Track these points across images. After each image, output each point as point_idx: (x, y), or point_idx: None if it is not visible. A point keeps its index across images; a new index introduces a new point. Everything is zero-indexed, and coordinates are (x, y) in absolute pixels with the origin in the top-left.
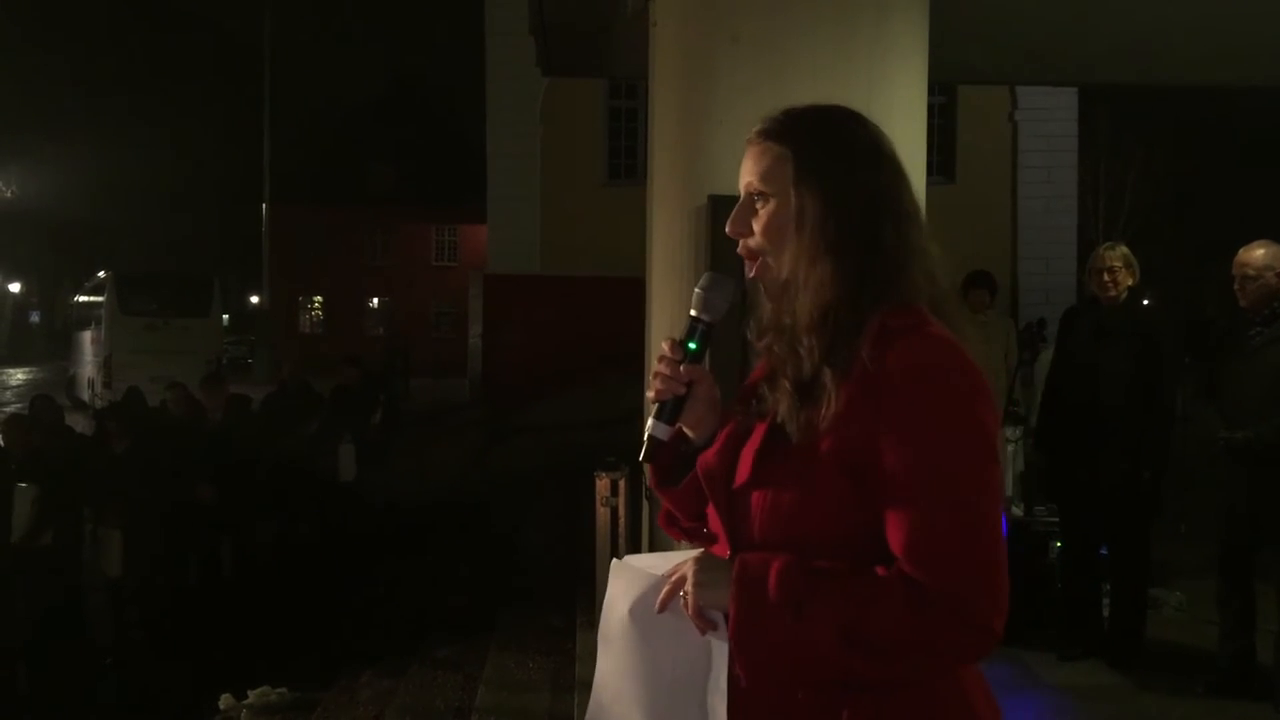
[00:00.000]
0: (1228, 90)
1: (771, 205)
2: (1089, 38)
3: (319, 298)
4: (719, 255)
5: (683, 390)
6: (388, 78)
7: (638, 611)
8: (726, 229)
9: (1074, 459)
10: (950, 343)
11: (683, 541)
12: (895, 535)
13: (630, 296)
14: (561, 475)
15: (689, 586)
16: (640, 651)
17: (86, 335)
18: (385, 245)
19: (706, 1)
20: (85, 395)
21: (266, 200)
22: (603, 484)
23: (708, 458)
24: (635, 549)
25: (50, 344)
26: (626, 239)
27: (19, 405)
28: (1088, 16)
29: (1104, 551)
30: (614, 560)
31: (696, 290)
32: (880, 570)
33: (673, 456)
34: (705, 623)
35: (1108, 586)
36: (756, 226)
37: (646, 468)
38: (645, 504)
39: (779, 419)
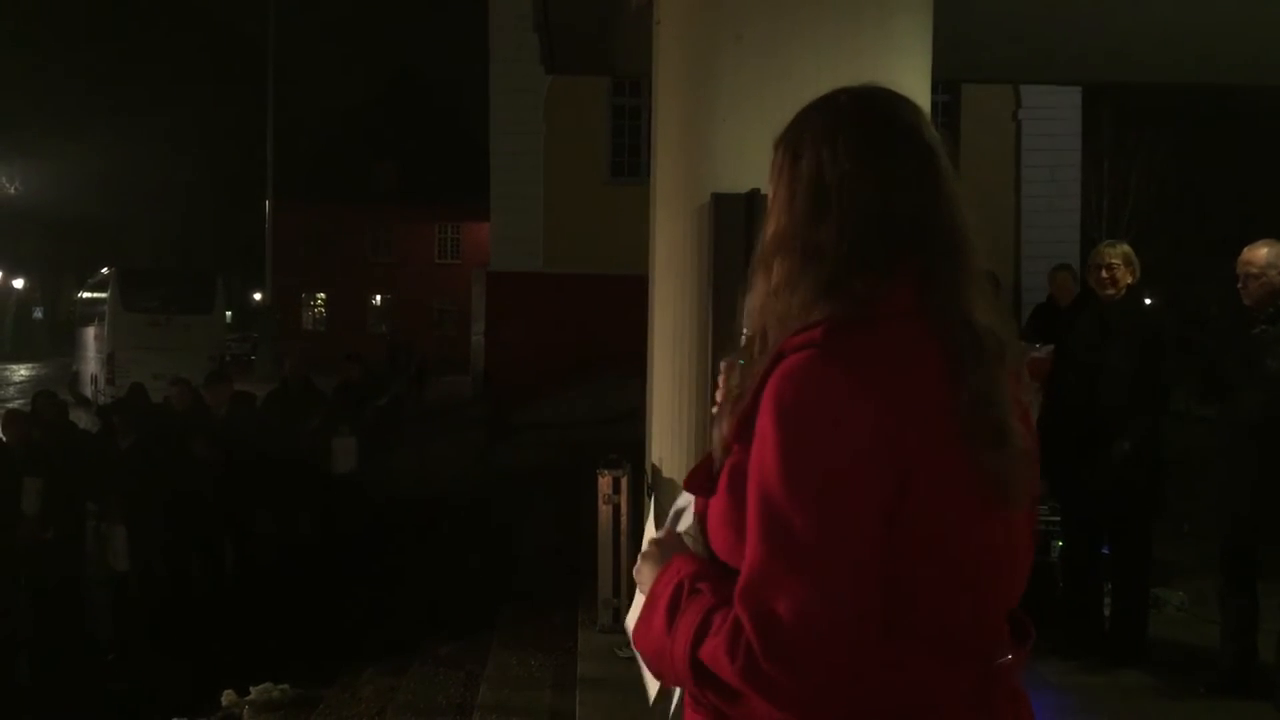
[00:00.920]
0: (1231, 89)
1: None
2: (1092, 37)
3: (322, 295)
4: (721, 253)
5: None
6: (391, 75)
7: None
8: None
9: (1075, 457)
10: (824, 363)
11: None
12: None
13: (633, 294)
14: (563, 472)
15: (640, 559)
16: None
17: (90, 331)
18: (388, 242)
19: (710, 0)
20: (88, 391)
21: (270, 197)
22: (605, 481)
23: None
24: (637, 547)
25: (53, 340)
26: (629, 237)
27: (22, 401)
28: (1091, 15)
29: (1105, 550)
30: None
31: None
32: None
33: None
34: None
35: (1109, 586)
36: None
37: None
38: (647, 501)
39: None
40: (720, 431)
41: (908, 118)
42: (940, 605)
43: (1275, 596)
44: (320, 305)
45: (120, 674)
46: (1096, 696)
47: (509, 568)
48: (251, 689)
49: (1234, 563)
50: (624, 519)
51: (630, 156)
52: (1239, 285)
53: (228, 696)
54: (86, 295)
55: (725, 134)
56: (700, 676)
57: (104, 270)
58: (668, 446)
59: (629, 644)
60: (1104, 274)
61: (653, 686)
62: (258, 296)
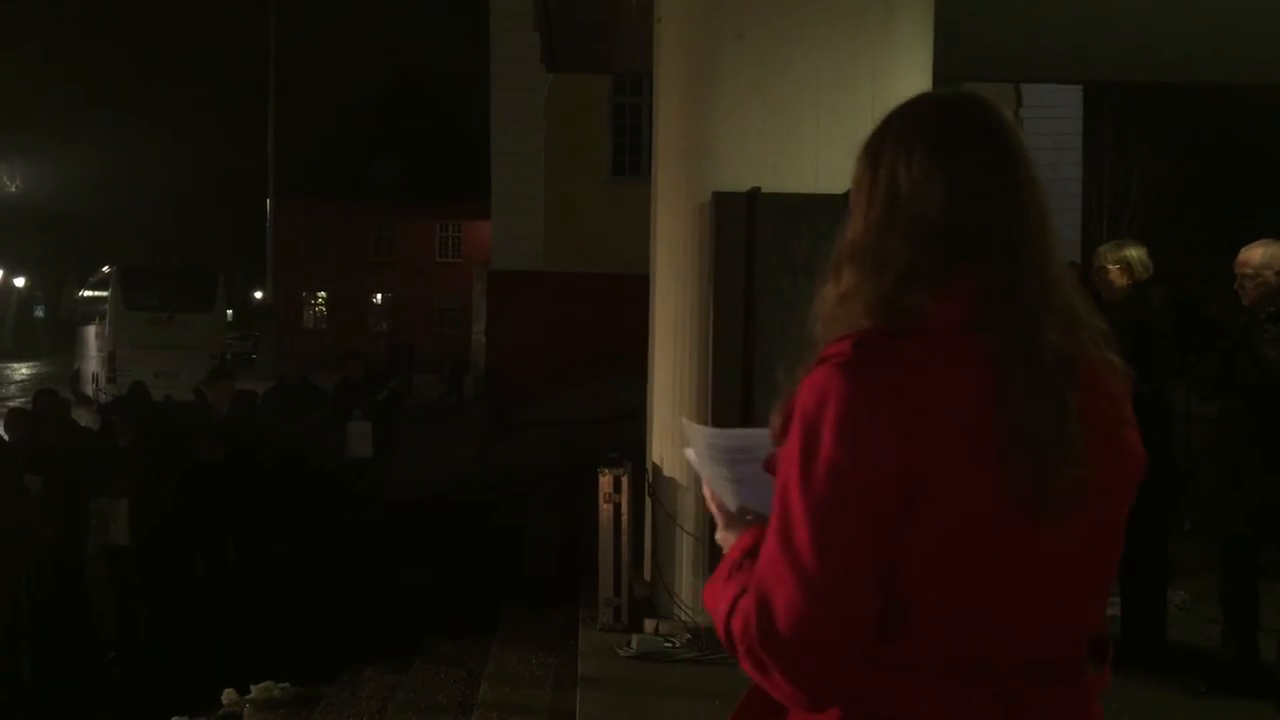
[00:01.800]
0: (1233, 88)
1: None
2: (1093, 36)
3: (323, 293)
4: (722, 252)
5: None
6: (392, 73)
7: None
8: None
9: None
10: (841, 377)
11: None
12: None
13: (634, 293)
14: (564, 471)
15: (719, 528)
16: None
17: (91, 330)
18: (389, 241)
19: None
20: (89, 390)
21: (271, 195)
22: (605, 480)
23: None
24: (638, 545)
25: (55, 338)
26: (630, 235)
27: (23, 400)
28: (1092, 14)
29: None
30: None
31: None
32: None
33: None
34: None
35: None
36: None
37: None
38: (648, 500)
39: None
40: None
41: (990, 124)
42: (967, 618)
43: (1277, 595)
44: (321, 304)
45: (121, 672)
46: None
47: (510, 566)
48: (252, 687)
49: (1235, 561)
50: (625, 518)
51: (631, 155)
52: (1235, 285)
53: (228, 695)
54: (87, 294)
55: (726, 132)
56: (729, 643)
57: (105, 269)
58: (668, 445)
59: (629, 643)
60: (1095, 276)
61: None
62: (259, 295)
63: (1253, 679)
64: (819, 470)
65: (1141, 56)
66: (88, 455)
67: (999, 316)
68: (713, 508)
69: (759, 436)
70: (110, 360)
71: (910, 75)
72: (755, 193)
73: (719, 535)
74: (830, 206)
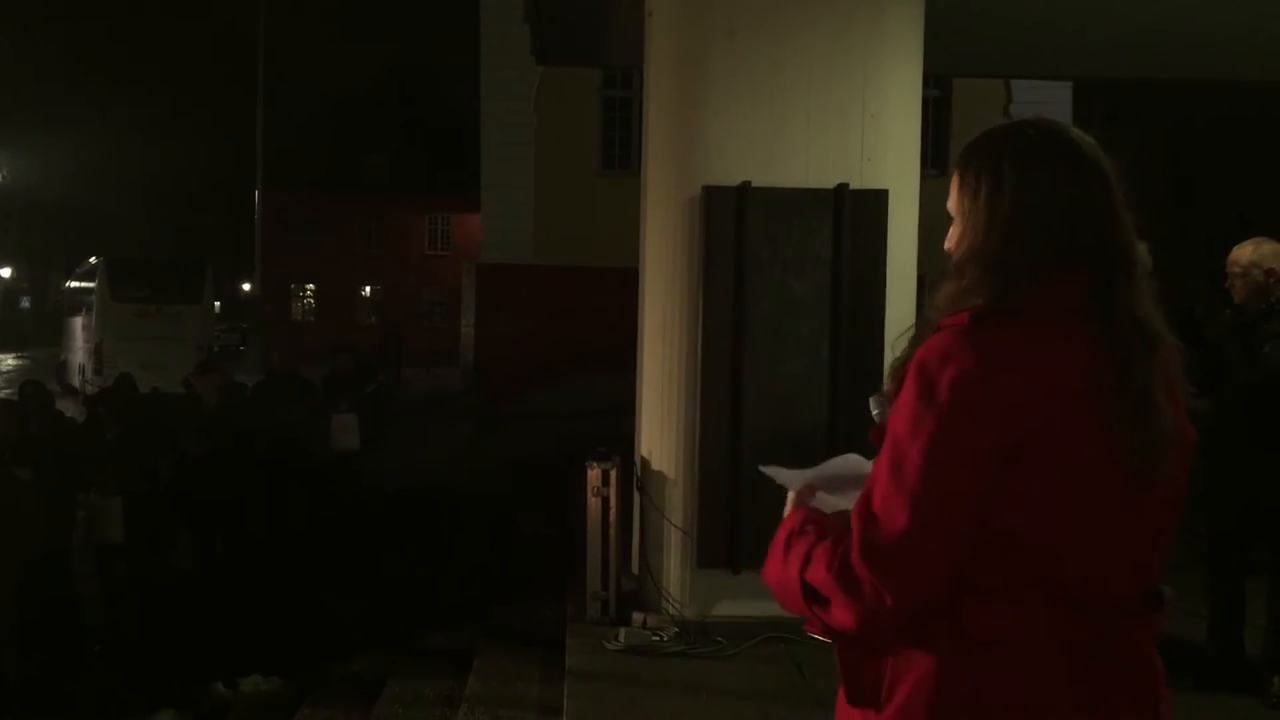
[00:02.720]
0: (1222, 85)
1: (952, 230)
2: (1084, 31)
3: (311, 286)
4: (712, 245)
5: None
6: (382, 66)
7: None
8: None
9: None
10: (959, 340)
11: None
12: None
13: (624, 286)
14: (553, 464)
15: (789, 506)
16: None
17: (78, 321)
18: (378, 234)
19: None
20: (76, 381)
21: (259, 187)
22: (594, 474)
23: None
24: (626, 538)
25: (41, 329)
26: (620, 229)
27: (9, 391)
28: (1082, 10)
29: None
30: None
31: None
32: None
33: None
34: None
35: None
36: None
37: None
38: (636, 494)
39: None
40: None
41: (1089, 150)
42: (1057, 553)
43: (1263, 592)
44: (310, 296)
45: (109, 665)
46: None
47: (498, 560)
48: (241, 681)
49: (1223, 556)
50: (613, 511)
51: (621, 149)
52: (1226, 283)
53: (217, 688)
54: (74, 285)
55: (716, 126)
56: (808, 595)
57: (92, 260)
58: (657, 439)
59: (617, 636)
60: None
61: None
62: (247, 287)
63: (1238, 673)
64: (934, 414)
65: (1131, 53)
66: (74, 447)
67: (1101, 306)
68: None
69: (847, 463)
70: (97, 352)
71: (901, 70)
72: (746, 187)
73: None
74: (821, 201)
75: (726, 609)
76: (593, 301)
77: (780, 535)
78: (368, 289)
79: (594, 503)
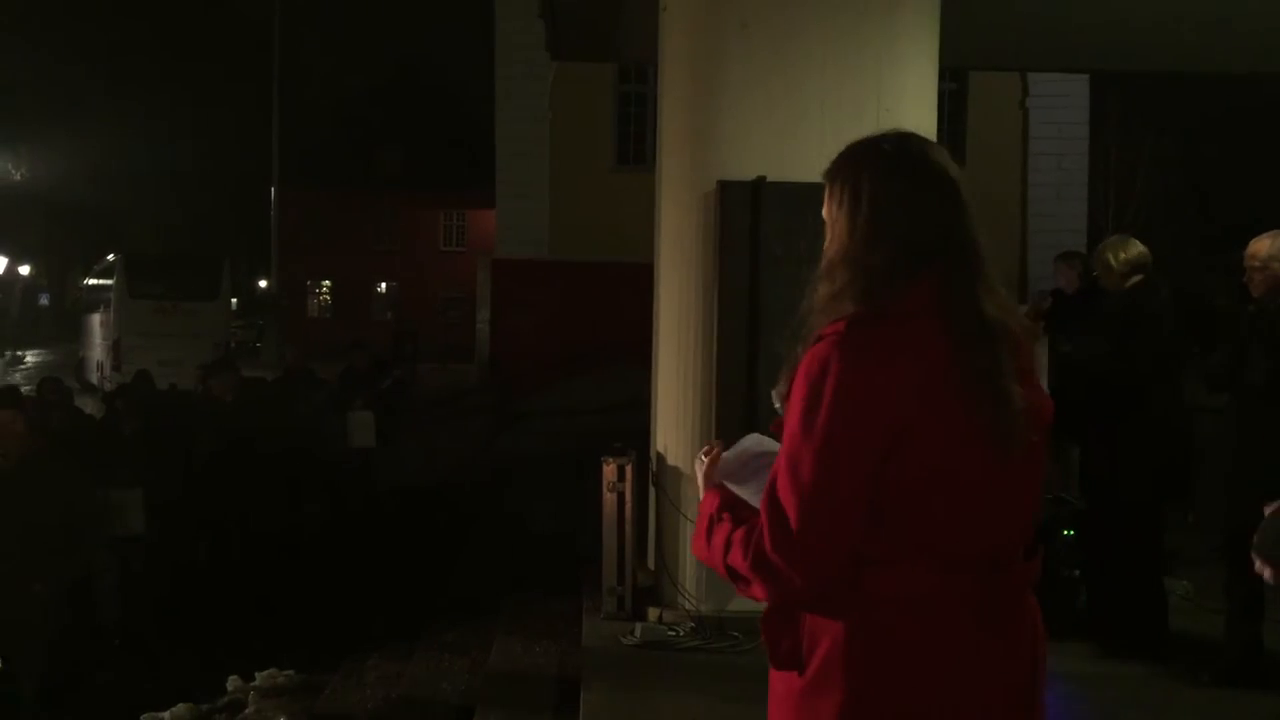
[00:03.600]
0: (1240, 78)
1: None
2: (1101, 25)
3: (327, 282)
4: (727, 240)
5: None
6: (397, 62)
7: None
8: None
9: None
10: (837, 348)
11: None
12: None
13: (639, 282)
14: (568, 460)
15: (700, 472)
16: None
17: (95, 318)
18: (393, 230)
19: None
20: (94, 378)
21: (275, 184)
22: (609, 469)
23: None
24: (642, 534)
25: (59, 326)
26: (635, 224)
27: (28, 387)
28: (1099, 3)
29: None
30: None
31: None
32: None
33: None
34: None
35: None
36: None
37: None
38: (651, 489)
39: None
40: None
41: (939, 159)
42: (938, 524)
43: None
44: (325, 292)
45: (125, 659)
46: (1100, 684)
47: (514, 555)
48: (257, 675)
49: (1240, 552)
50: (628, 507)
51: (636, 144)
52: (1244, 278)
53: (233, 682)
54: (92, 282)
55: (731, 121)
56: (731, 575)
57: (110, 257)
58: (672, 434)
59: (633, 631)
60: (1097, 269)
61: None
62: (263, 283)
63: (1257, 669)
64: (822, 416)
65: (1148, 46)
66: (93, 443)
67: (954, 301)
68: (699, 477)
69: (757, 442)
70: (115, 348)
71: (916, 64)
72: (760, 182)
73: (700, 480)
74: None
75: (742, 604)
76: (608, 297)
77: (701, 521)
78: (383, 285)
79: (610, 498)
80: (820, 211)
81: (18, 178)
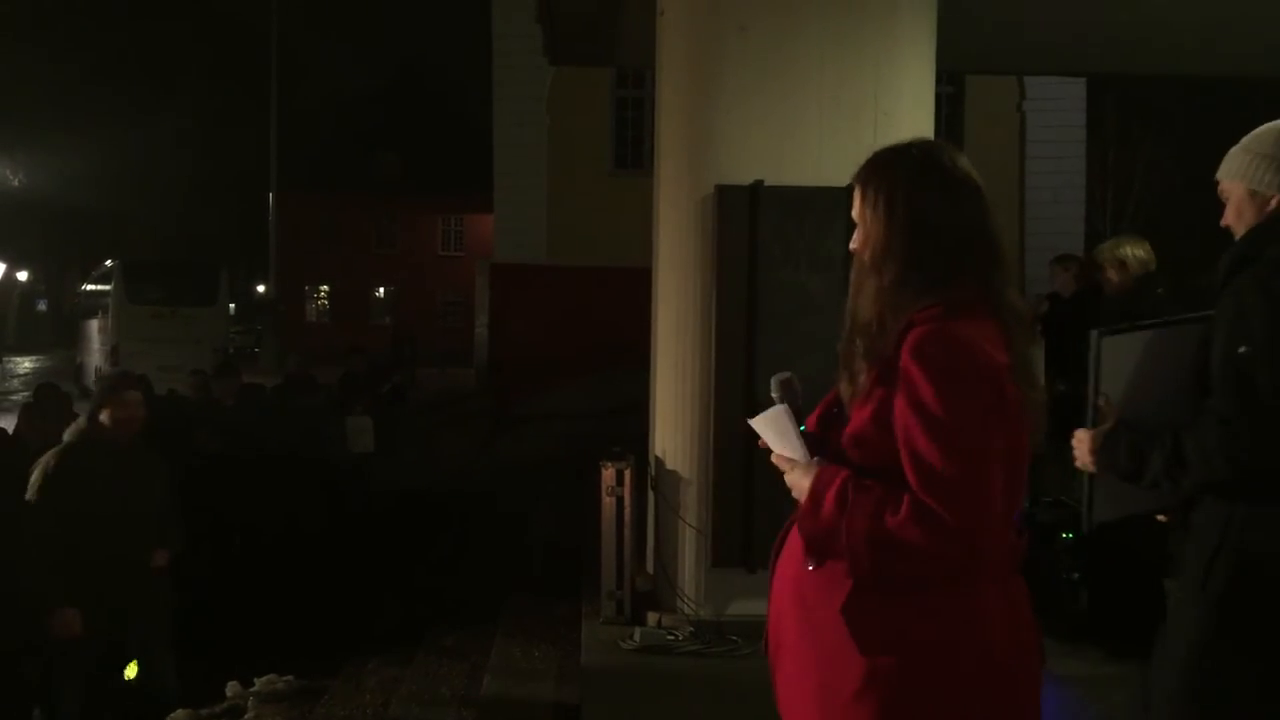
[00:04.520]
0: (1236, 80)
1: (857, 231)
2: (1097, 28)
3: (325, 287)
4: (725, 245)
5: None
6: (394, 67)
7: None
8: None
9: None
10: (949, 330)
11: None
12: (906, 468)
13: (637, 286)
14: (567, 464)
15: (789, 471)
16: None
17: (93, 324)
18: (392, 235)
19: None
20: (92, 384)
21: (273, 189)
22: (608, 474)
23: (809, 421)
24: (640, 538)
25: (57, 332)
26: (633, 228)
27: (26, 394)
28: (1096, 6)
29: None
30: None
31: (773, 394)
32: (905, 493)
33: None
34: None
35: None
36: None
37: None
38: (650, 493)
39: (841, 393)
40: (857, 380)
41: (964, 164)
42: (1016, 483)
43: None
44: (323, 297)
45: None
46: (1099, 686)
47: (513, 559)
48: (256, 680)
49: None
50: (627, 511)
51: (634, 148)
52: None
53: (232, 688)
54: (90, 288)
55: (729, 125)
56: (881, 544)
57: (108, 263)
58: (671, 438)
59: (632, 636)
60: (1099, 271)
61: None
62: (261, 289)
63: None
64: (965, 391)
65: (1145, 48)
66: None
67: (995, 295)
68: (783, 463)
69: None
70: (113, 354)
71: (913, 68)
72: (758, 186)
73: (789, 476)
74: (834, 199)
75: (742, 608)
76: (606, 301)
77: (823, 486)
78: (381, 290)
79: (608, 502)
80: (817, 216)
81: (15, 183)
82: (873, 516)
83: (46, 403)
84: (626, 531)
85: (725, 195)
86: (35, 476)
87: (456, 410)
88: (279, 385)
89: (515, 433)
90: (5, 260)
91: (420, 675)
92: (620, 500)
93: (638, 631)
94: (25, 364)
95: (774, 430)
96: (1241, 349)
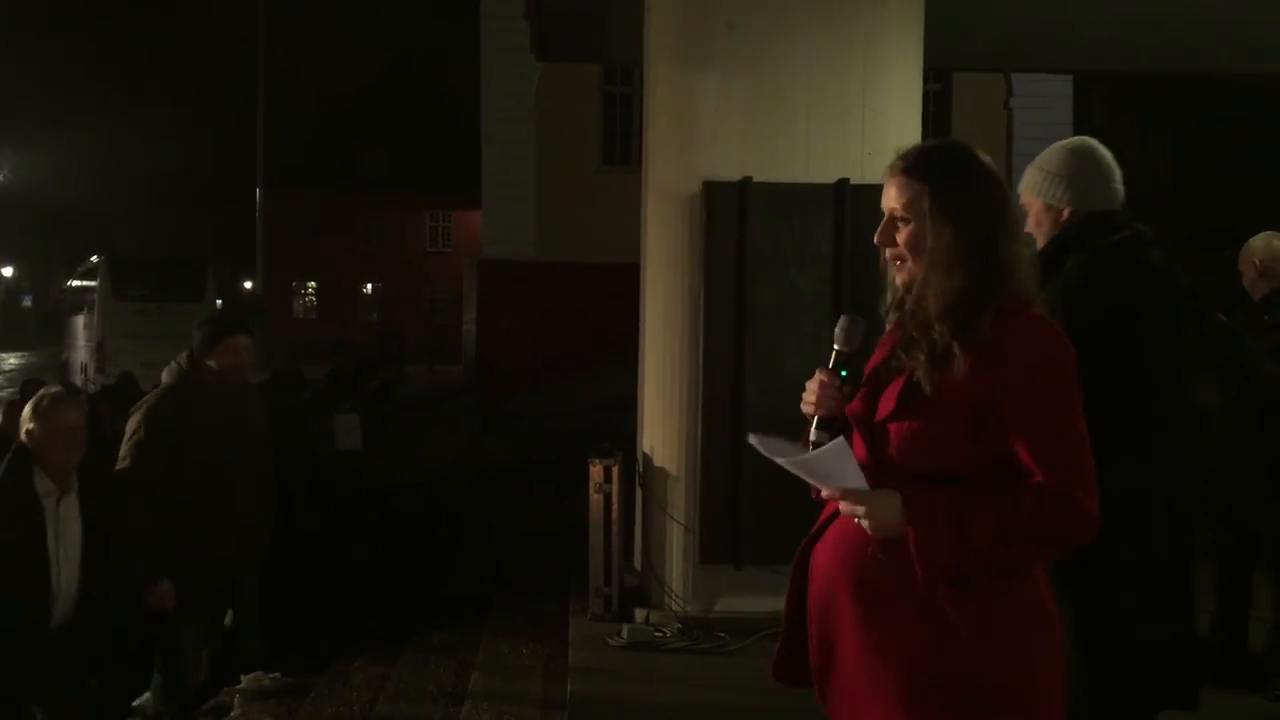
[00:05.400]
0: (1223, 78)
1: (912, 227)
2: (1084, 25)
3: (312, 283)
4: (713, 241)
5: (841, 410)
6: (383, 63)
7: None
8: (875, 239)
9: None
10: (1045, 321)
11: None
12: (1024, 455)
13: (625, 282)
14: (555, 461)
15: (865, 519)
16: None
17: (79, 320)
18: (379, 231)
19: None
20: (78, 380)
21: (260, 185)
22: (596, 470)
23: (854, 404)
24: (628, 534)
25: (43, 328)
26: (621, 225)
27: (11, 390)
28: (1083, 3)
29: None
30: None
31: (838, 330)
32: (1012, 485)
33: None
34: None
35: None
36: (899, 240)
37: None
38: (638, 490)
39: (914, 378)
40: (921, 368)
41: (994, 167)
42: None
43: (1269, 584)
44: (311, 294)
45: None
46: None
47: (500, 556)
48: (242, 677)
49: (1235, 551)
50: (615, 508)
51: (622, 145)
52: (1245, 281)
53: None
54: (76, 284)
55: (717, 122)
56: (1004, 545)
57: (94, 258)
58: (659, 435)
59: (619, 633)
60: None
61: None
62: (248, 285)
63: (1243, 668)
64: (1067, 380)
65: (1132, 46)
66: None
67: (1031, 288)
68: (846, 499)
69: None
70: (99, 350)
71: (901, 65)
72: (746, 182)
73: (857, 508)
74: (822, 196)
75: (729, 604)
76: (594, 298)
77: (929, 517)
78: (369, 286)
79: (596, 499)
80: (805, 213)
81: (1, 178)
82: (999, 523)
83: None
84: (614, 528)
85: (713, 192)
86: (135, 420)
87: (444, 407)
88: (265, 381)
89: (503, 429)
90: None
91: (408, 672)
92: (608, 497)
93: (625, 628)
94: (10, 360)
95: (831, 467)
96: None
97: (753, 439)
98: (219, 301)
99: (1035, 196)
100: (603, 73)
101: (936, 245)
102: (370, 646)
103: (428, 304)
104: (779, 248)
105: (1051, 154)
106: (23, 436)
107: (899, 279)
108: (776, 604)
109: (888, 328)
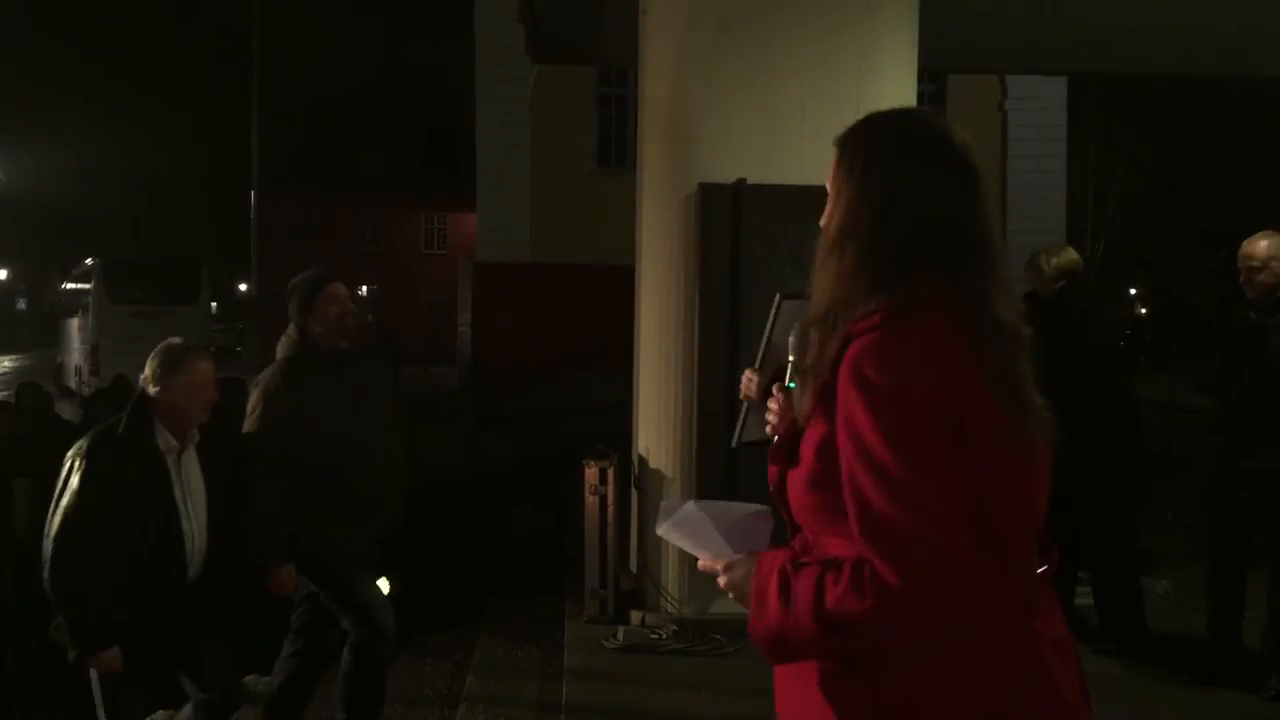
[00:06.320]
0: (1215, 79)
1: (828, 204)
2: (1078, 27)
3: None
4: (708, 243)
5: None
6: (377, 64)
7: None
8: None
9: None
10: (893, 349)
11: None
12: (851, 519)
13: (620, 284)
14: (550, 462)
15: (721, 575)
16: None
17: (74, 322)
18: (374, 233)
19: None
20: (73, 383)
21: (255, 187)
22: (591, 472)
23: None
24: (623, 536)
25: (37, 331)
26: (616, 227)
27: (6, 393)
28: (1077, 5)
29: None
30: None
31: (792, 339)
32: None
33: None
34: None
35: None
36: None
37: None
38: (634, 492)
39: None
40: (801, 406)
41: (959, 141)
42: (1006, 526)
43: (1263, 583)
44: None
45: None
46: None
47: (496, 558)
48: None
49: (1226, 550)
50: (610, 509)
51: (617, 146)
52: (1242, 279)
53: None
54: (70, 286)
55: (711, 123)
56: (828, 627)
57: (88, 261)
58: (654, 436)
59: (615, 635)
60: (1028, 274)
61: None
62: (243, 287)
63: (1237, 667)
64: (898, 420)
65: (1126, 48)
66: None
67: (969, 297)
68: (715, 566)
69: (727, 505)
70: (93, 353)
71: (895, 66)
72: (741, 184)
73: (723, 580)
74: (816, 198)
75: (725, 607)
76: (589, 299)
77: (764, 580)
78: (364, 288)
79: (592, 501)
80: (800, 214)
81: None
82: (815, 598)
83: (27, 402)
84: (610, 530)
85: (708, 193)
86: (254, 400)
87: (440, 408)
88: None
89: (498, 431)
90: None
91: (403, 675)
92: (604, 499)
93: (621, 630)
94: (4, 363)
95: (689, 535)
96: None
97: (684, 505)
98: (214, 304)
99: None
100: (597, 75)
101: (830, 220)
102: None
103: (423, 306)
104: (773, 249)
105: None
106: (151, 392)
107: None
108: None
109: None
